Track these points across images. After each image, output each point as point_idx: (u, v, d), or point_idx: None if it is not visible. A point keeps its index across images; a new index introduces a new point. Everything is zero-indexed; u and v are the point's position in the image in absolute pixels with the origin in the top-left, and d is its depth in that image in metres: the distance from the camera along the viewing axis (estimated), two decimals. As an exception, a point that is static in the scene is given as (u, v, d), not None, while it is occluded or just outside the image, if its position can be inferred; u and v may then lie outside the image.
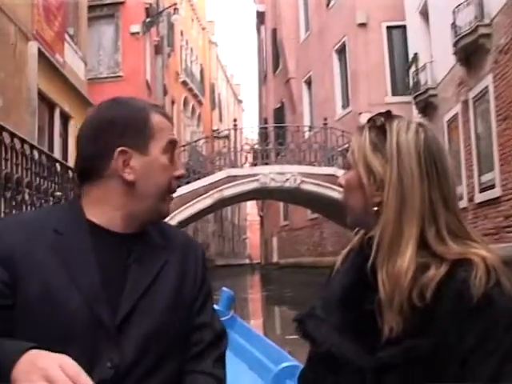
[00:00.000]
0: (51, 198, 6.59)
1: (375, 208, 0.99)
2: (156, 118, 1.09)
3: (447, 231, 0.96)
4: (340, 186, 1.07)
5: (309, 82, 22.16)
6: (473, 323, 0.89)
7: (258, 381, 2.22)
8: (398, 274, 0.93)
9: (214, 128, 33.86)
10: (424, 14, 13.65)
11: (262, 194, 17.45)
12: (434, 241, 0.95)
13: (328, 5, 19.67)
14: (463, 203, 10.31)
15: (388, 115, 1.03)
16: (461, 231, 0.98)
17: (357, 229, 1.10)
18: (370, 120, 1.04)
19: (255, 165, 15.37)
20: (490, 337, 0.88)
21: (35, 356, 0.79)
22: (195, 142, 18.34)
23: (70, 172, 7.47)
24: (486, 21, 9.81)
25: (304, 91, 22.67)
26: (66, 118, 11.15)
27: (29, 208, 5.92)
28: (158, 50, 20.05)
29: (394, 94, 16.36)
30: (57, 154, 9.76)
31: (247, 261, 52.44)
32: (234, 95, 54.24)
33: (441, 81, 12.51)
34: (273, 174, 14.43)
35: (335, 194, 12.87)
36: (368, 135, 1.02)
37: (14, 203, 5.65)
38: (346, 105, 18.36)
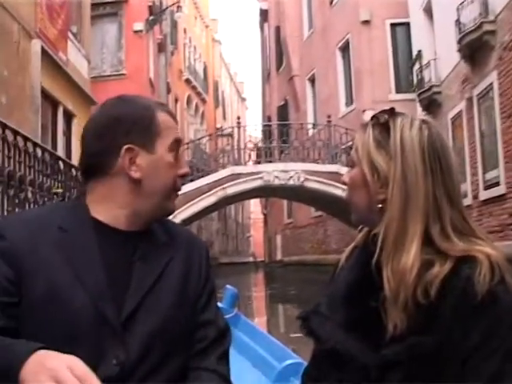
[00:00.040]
0: (55, 196, 6.59)
1: (379, 205, 0.99)
2: (162, 117, 1.09)
3: (452, 228, 0.96)
4: (344, 183, 1.07)
5: (312, 80, 22.13)
6: (477, 320, 0.89)
7: (262, 378, 2.22)
8: (403, 271, 0.93)
9: (218, 126, 33.85)
10: (428, 11, 13.60)
11: (265, 192, 17.44)
12: (438, 237, 0.95)
13: (331, 2, 19.64)
14: (468, 201, 10.28)
15: (391, 112, 1.02)
16: (465, 228, 0.98)
17: (361, 226, 1.10)
18: (373, 117, 1.04)
19: (259, 163, 15.38)
20: (495, 334, 0.88)
21: (44, 356, 0.79)
22: (199, 139, 18.36)
23: (74, 170, 7.48)
24: (491, 17, 9.77)
25: (307, 89, 22.65)
26: (69, 116, 11.17)
27: (32, 206, 5.91)
28: (161, 47, 20.04)
29: (398, 91, 16.32)
30: (60, 152, 9.77)
31: (251, 259, 52.43)
32: (237, 93, 54.21)
33: (445, 78, 12.47)
34: (276, 172, 14.42)
35: (339, 191, 12.85)
36: (372, 132, 1.02)
37: (16, 201, 5.65)
38: (349, 102, 18.34)
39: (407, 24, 15.67)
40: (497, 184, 9.56)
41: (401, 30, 16.53)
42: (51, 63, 9.70)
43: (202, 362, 1.09)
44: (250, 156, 15.43)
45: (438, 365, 0.90)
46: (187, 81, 28.44)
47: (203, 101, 33.01)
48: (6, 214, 5.38)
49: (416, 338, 0.90)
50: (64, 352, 0.80)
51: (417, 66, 13.90)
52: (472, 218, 1.01)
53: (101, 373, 0.83)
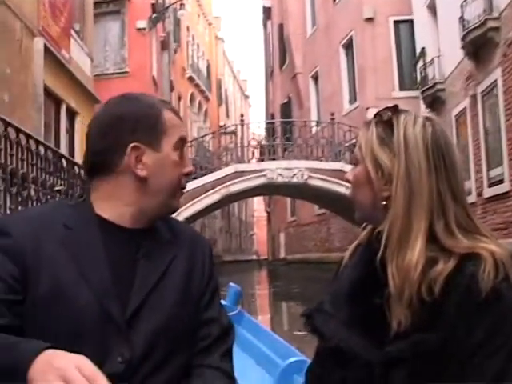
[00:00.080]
0: (57, 194, 6.60)
1: (383, 202, 0.99)
2: (168, 115, 1.09)
3: (456, 225, 0.96)
4: (348, 181, 1.07)
5: (316, 77, 22.10)
6: (481, 318, 0.89)
7: (266, 376, 2.23)
8: (407, 268, 0.93)
9: (221, 124, 33.84)
10: (431, 7, 13.57)
11: (269, 190, 17.44)
12: (442, 234, 0.95)
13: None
14: (472, 198, 10.27)
15: (395, 109, 1.02)
16: (469, 225, 0.97)
17: (365, 224, 1.10)
18: (376, 115, 1.04)
19: (262, 160, 15.36)
20: (499, 331, 0.88)
21: (52, 356, 0.79)
22: (202, 137, 18.35)
23: (76, 168, 7.48)
24: (495, 14, 9.74)
25: (311, 86, 22.62)
26: (72, 114, 11.18)
27: (34, 204, 5.90)
28: (164, 45, 20.04)
29: (402, 88, 16.28)
30: (63, 149, 9.78)
31: (254, 257, 52.44)
32: (240, 91, 54.17)
33: (449, 75, 12.44)
34: (280, 170, 14.41)
35: (342, 189, 12.84)
36: (375, 130, 1.01)
37: (19, 199, 5.65)
38: (353, 100, 18.31)
39: (411, 21, 15.63)
40: (501, 181, 9.55)
41: (404, 27, 16.48)
42: (54, 61, 9.69)
43: (205, 360, 1.09)
44: (253, 154, 15.42)
45: (441, 362, 0.90)
46: (190, 79, 28.42)
47: (206, 99, 33.00)
48: (8, 211, 5.38)
49: (420, 335, 0.90)
50: (68, 350, 0.80)
51: (420, 63, 13.87)
52: (476, 216, 1.01)
53: (106, 370, 0.83)
